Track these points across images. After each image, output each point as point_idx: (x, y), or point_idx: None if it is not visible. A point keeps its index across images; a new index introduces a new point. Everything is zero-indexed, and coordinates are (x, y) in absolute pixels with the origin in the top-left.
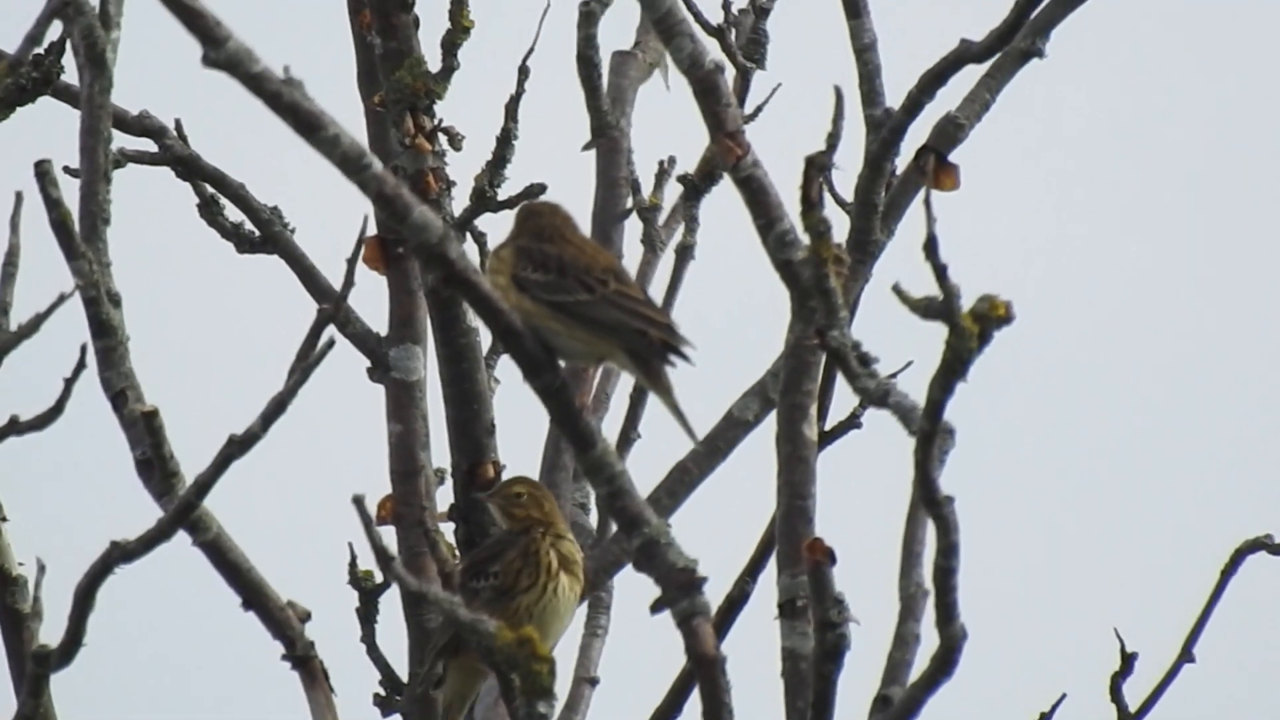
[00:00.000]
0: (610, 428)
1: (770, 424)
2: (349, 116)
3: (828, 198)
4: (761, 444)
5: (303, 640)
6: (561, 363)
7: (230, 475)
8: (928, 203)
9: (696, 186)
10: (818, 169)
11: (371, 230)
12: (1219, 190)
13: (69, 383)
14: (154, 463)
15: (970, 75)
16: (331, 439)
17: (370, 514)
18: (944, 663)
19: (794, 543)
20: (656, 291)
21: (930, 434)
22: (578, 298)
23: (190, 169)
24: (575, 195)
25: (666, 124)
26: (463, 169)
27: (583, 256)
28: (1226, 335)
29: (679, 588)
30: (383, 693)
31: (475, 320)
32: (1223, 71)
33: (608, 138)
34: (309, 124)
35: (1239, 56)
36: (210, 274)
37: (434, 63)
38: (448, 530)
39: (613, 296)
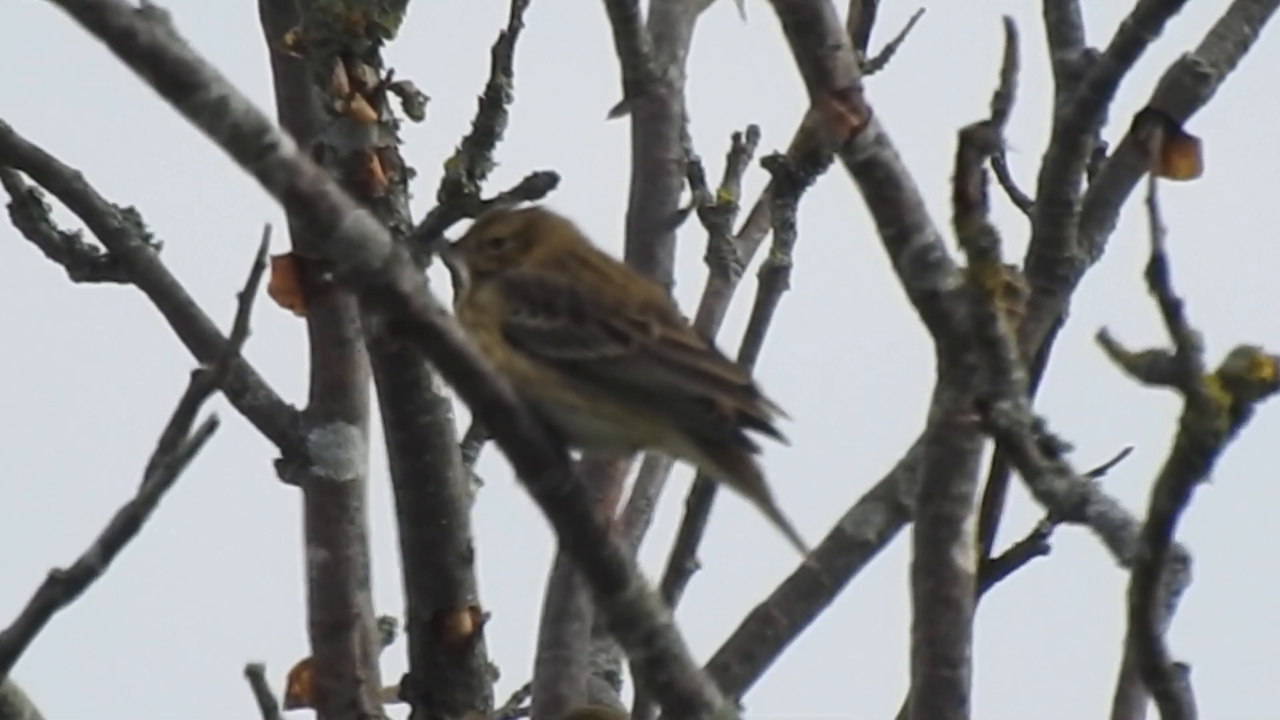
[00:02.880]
0: (653, 553)
1: (902, 545)
2: (246, 67)
3: (996, 193)
4: (889, 577)
5: None
6: (576, 454)
7: (54, 628)
8: (1152, 201)
9: (791, 174)
10: (979, 148)
11: (281, 247)
12: None
13: None
14: None
15: (1217, 1)
16: (218, 571)
17: (274, 692)
18: None
19: None
20: (729, 337)
21: (1154, 566)
22: (604, 353)
23: None
24: (601, 188)
25: (743, 76)
26: (426, 150)
27: (608, 287)
28: None
29: None
30: None
31: (444, 388)
32: None
33: (650, 97)
34: (179, 80)
35: None
36: (30, 309)
37: None
38: (398, 715)
39: (657, 348)
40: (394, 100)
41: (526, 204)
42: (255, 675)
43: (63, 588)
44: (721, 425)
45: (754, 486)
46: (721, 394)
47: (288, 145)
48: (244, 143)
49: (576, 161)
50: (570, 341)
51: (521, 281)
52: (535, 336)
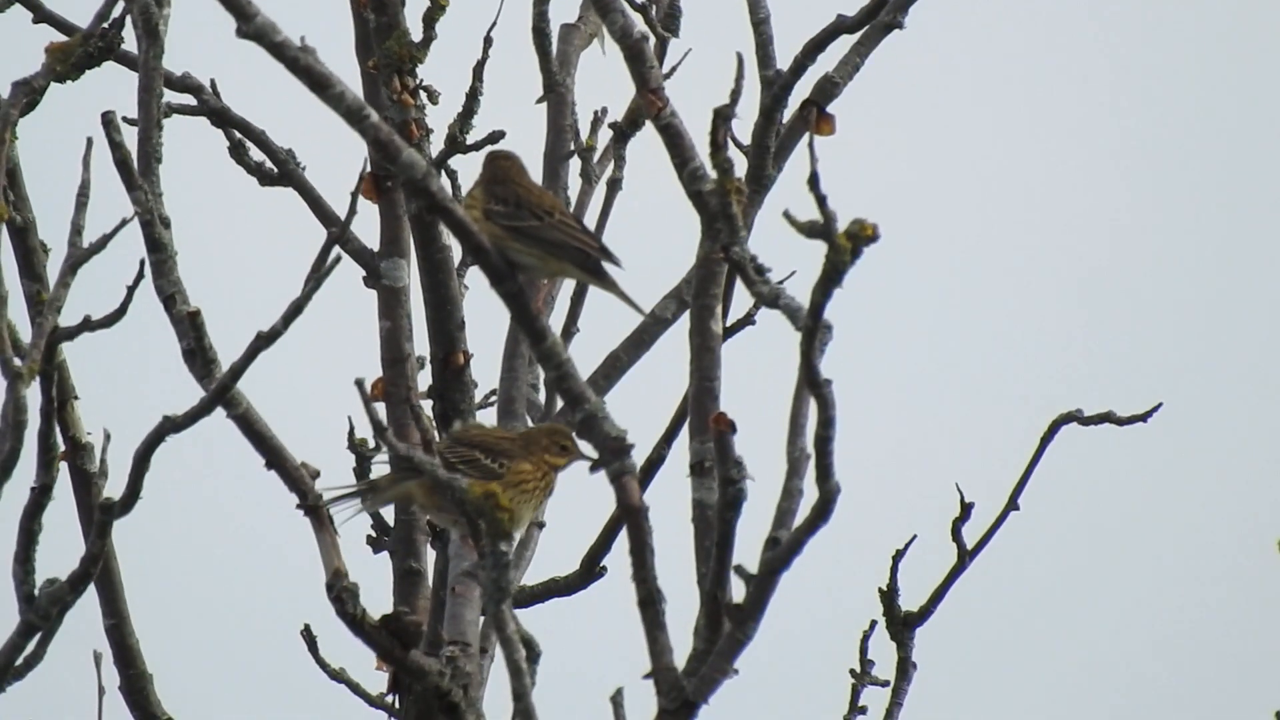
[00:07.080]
0: (555, 323)
1: (685, 321)
2: (349, 77)
3: (730, 142)
4: (678, 337)
5: (313, 493)
6: (520, 276)
7: (258, 363)
8: (811, 146)
9: (624, 132)
10: (722, 118)
11: (368, 168)
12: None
13: (130, 289)
14: (197, 353)
15: (845, 43)
16: (336, 334)
17: (366, 393)
18: (821, 512)
19: (702, 416)
20: (591, 217)
21: (813, 329)
22: (529, 224)
23: (222, 119)
24: (529, 140)
25: (603, 82)
26: (439, 119)
27: (531, 196)
28: (1055, 239)
29: (612, 452)
30: (374, 534)
31: (450, 239)
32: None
33: (556, 94)
34: (320, 83)
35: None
36: (239, 203)
37: (416, 34)
38: (427, 406)
39: (556, 224)
40: (423, 94)
41: (508, 148)
42: (358, 384)
43: (264, 340)
44: (593, 259)
45: (613, 284)
46: (589, 247)
47: (374, 116)
48: (352, 114)
49: (518, 126)
50: (515, 218)
51: (491, 189)
52: (498, 215)
